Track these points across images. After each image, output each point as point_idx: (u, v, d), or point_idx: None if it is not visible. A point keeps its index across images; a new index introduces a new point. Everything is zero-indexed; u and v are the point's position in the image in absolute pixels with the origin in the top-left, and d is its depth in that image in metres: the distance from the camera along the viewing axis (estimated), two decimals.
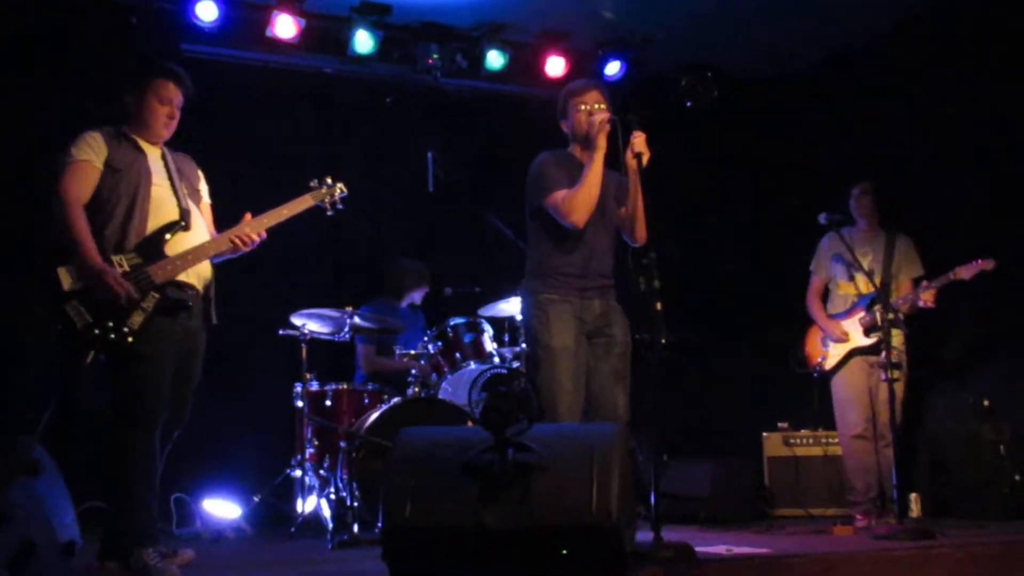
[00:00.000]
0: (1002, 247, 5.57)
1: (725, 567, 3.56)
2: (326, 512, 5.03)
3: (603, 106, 4.31)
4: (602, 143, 4.17)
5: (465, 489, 2.89)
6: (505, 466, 2.89)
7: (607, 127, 4.13)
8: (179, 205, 3.83)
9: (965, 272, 5.08)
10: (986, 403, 5.81)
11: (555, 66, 6.88)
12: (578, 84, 4.43)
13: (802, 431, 6.20)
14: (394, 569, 2.95)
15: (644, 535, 3.54)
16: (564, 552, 2.81)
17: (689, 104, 7.00)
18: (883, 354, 4.78)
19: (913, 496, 5.73)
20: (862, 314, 5.32)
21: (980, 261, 5.07)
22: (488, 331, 5.62)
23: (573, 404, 4.06)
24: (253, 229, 3.93)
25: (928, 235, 5.61)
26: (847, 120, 6.77)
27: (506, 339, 5.73)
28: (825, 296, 5.59)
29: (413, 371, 5.39)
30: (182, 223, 3.79)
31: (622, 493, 2.90)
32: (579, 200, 4.16)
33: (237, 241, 3.89)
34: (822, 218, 5.30)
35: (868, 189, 5.47)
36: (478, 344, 5.54)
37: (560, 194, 4.20)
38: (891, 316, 4.82)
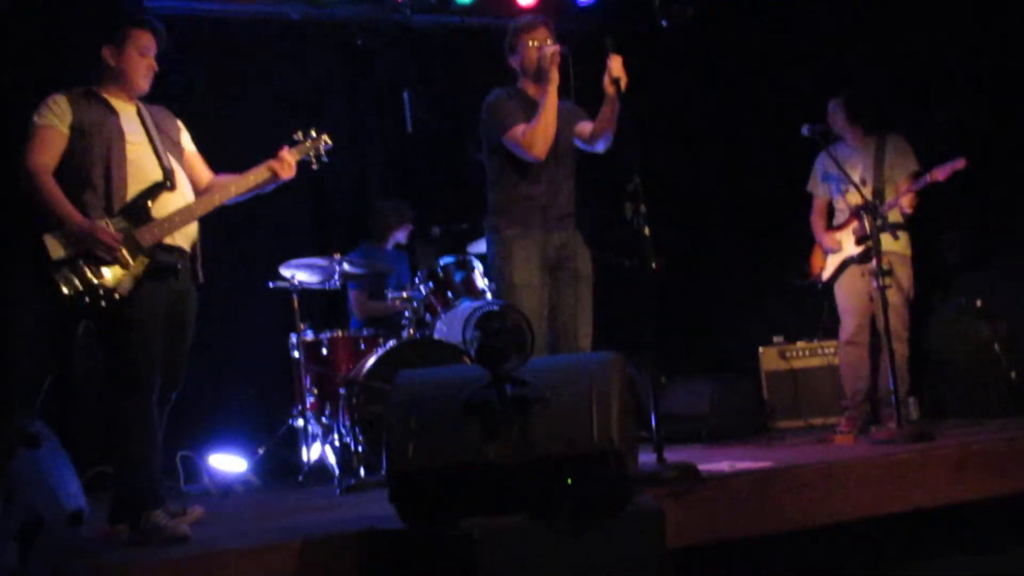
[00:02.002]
0: (997, 148, 5.58)
1: (729, 483, 3.61)
2: (331, 459, 5.08)
3: (550, 41, 4.32)
4: (555, 75, 4.22)
5: (466, 427, 2.91)
6: (504, 402, 2.90)
7: (558, 59, 4.19)
8: (161, 164, 3.75)
9: (939, 174, 5.08)
10: (979, 303, 5.85)
11: None
12: (526, 20, 4.47)
13: (798, 343, 6.24)
14: (401, 510, 2.98)
15: (647, 457, 3.58)
16: (568, 481, 2.84)
17: (664, 23, 6.94)
18: (873, 261, 4.81)
19: (912, 399, 5.76)
20: (855, 224, 5.33)
21: (952, 162, 5.06)
22: (478, 267, 5.61)
23: (538, 338, 4.08)
24: (239, 189, 3.88)
25: (922, 134, 5.55)
26: (829, 24, 6.67)
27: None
28: (831, 212, 5.61)
29: (406, 313, 5.39)
30: (167, 183, 3.72)
31: (622, 419, 2.92)
32: (538, 133, 4.23)
33: (279, 173, 3.88)
34: (805, 130, 5.26)
35: (839, 105, 5.41)
36: (469, 281, 5.54)
37: (519, 129, 4.26)
38: (879, 223, 4.83)
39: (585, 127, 4.41)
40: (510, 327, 3.01)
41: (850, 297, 5.37)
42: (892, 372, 4.82)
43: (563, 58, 4.19)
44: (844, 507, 3.69)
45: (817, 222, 5.60)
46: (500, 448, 2.87)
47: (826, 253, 5.51)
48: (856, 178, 5.27)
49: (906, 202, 5.16)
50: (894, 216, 5.21)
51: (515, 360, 2.96)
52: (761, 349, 6.28)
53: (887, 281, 4.75)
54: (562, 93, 4.31)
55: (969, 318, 5.88)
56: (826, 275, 5.49)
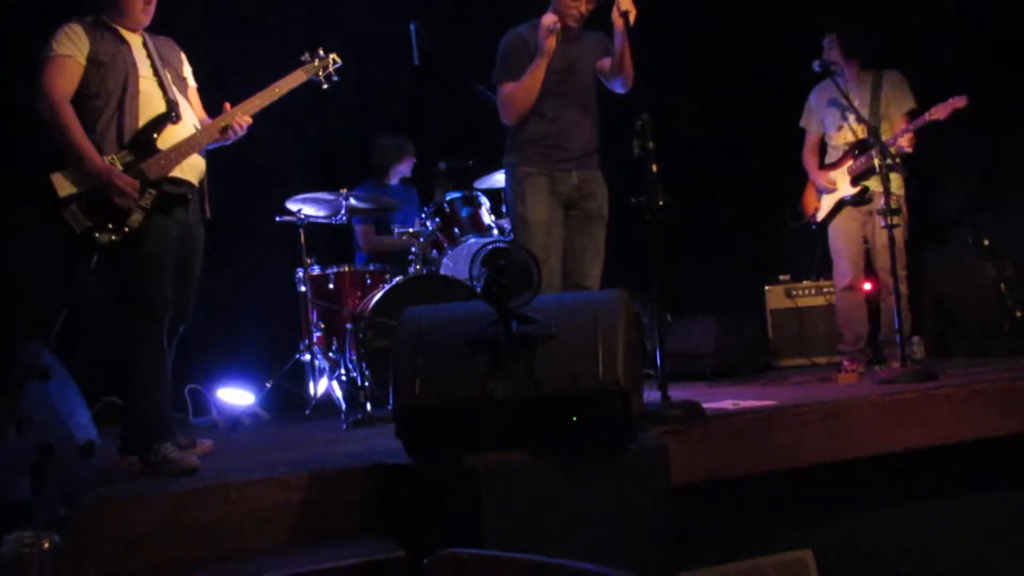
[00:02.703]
0: (999, 84, 5.50)
1: (733, 421, 3.64)
2: (338, 393, 5.11)
3: None
4: (549, 47, 4.18)
5: (472, 364, 2.92)
6: (510, 339, 2.91)
7: (553, 38, 4.15)
8: (166, 97, 3.72)
9: (939, 112, 4.97)
10: (986, 242, 5.82)
11: None
12: None
13: (804, 282, 6.24)
14: (408, 445, 3.01)
15: (652, 395, 3.60)
16: (574, 419, 2.86)
17: None
18: (881, 201, 4.77)
19: (916, 339, 5.78)
20: (850, 162, 5.25)
21: (953, 100, 4.96)
22: (485, 204, 5.60)
23: (550, 274, 4.19)
24: (245, 112, 3.84)
25: (918, 71, 5.47)
26: None
27: (504, 210, 5.71)
28: (824, 151, 5.52)
29: (413, 248, 5.39)
30: (172, 115, 3.70)
31: (628, 357, 2.93)
32: (510, 102, 4.31)
33: (229, 131, 3.81)
34: (816, 65, 5.20)
35: (834, 40, 5.29)
36: (476, 217, 5.53)
37: (505, 88, 4.32)
38: (888, 161, 4.77)
39: (606, 63, 4.36)
40: (517, 264, 3.00)
41: (845, 239, 5.30)
42: (897, 312, 4.81)
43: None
44: (847, 446, 3.73)
45: (810, 159, 5.50)
46: (505, 385, 2.88)
47: (820, 193, 5.42)
48: (851, 114, 5.19)
49: (905, 141, 5.05)
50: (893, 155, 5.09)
51: (522, 297, 2.97)
52: (767, 287, 6.29)
53: (895, 220, 4.72)
54: (589, 21, 4.32)
55: (974, 257, 5.86)
56: (820, 216, 5.40)
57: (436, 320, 3.08)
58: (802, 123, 5.56)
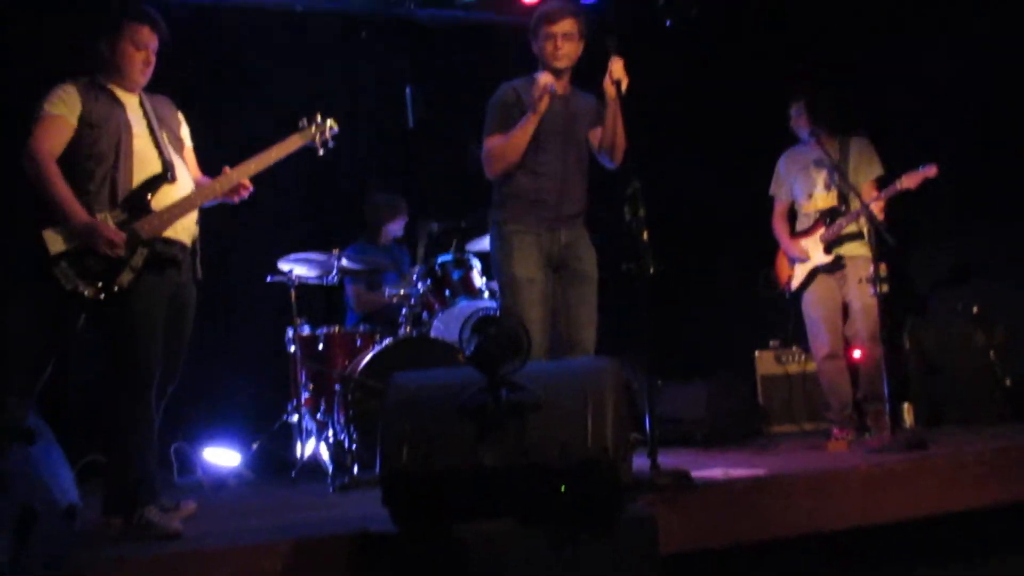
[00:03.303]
0: (991, 151, 5.56)
1: (722, 491, 3.61)
2: (325, 455, 5.07)
3: (574, 36, 4.26)
4: (541, 108, 4.14)
5: (461, 431, 2.91)
6: (499, 406, 2.90)
7: (547, 97, 4.12)
8: (162, 157, 3.74)
9: (909, 181, 4.93)
10: (976, 309, 5.84)
11: None
12: (552, 8, 4.31)
13: (793, 348, 6.23)
14: (395, 513, 2.98)
15: (641, 461, 3.58)
16: (563, 489, 2.84)
17: (668, 23, 6.93)
18: (861, 267, 4.78)
19: (906, 406, 5.77)
20: (822, 230, 5.23)
21: (923, 168, 4.92)
22: (476, 266, 5.61)
23: (538, 334, 4.05)
24: (241, 175, 3.86)
25: (888, 138, 5.51)
26: (820, 29, 6.66)
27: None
28: (795, 218, 5.50)
29: (403, 310, 5.39)
30: (167, 175, 3.72)
31: (617, 426, 2.92)
32: (495, 156, 4.26)
33: (232, 195, 3.84)
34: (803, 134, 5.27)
35: (802, 107, 5.29)
36: (467, 280, 5.54)
37: (491, 141, 4.28)
38: (864, 224, 4.77)
39: (597, 132, 4.35)
40: (507, 331, 3.01)
41: (822, 308, 5.25)
42: (886, 379, 4.80)
43: (552, 96, 4.14)
44: (836, 516, 3.70)
45: (780, 227, 5.47)
46: (494, 453, 2.87)
47: (792, 262, 5.39)
48: (820, 181, 5.22)
49: (876, 208, 4.96)
50: (861, 223, 5.06)
51: (511, 364, 2.97)
52: (756, 353, 6.29)
53: (884, 287, 4.73)
54: (583, 84, 4.33)
55: (965, 324, 5.87)
56: (795, 284, 5.35)
57: (425, 386, 3.08)
58: (771, 191, 5.55)
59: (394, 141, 6.67)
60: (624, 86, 4.04)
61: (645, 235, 3.71)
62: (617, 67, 4.05)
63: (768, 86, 6.76)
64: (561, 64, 4.26)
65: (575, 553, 2.81)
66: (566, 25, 4.24)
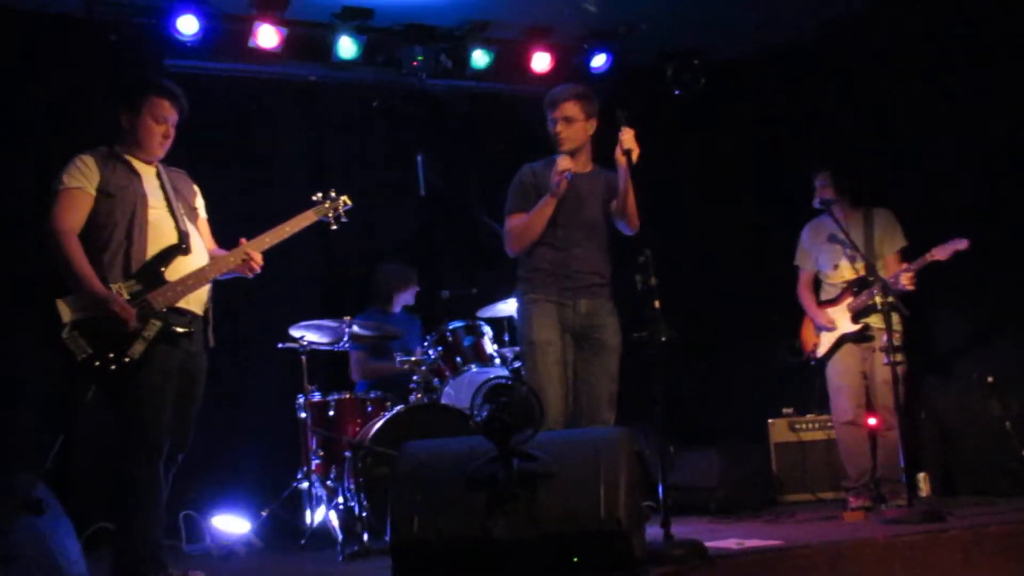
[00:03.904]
0: (999, 222, 5.56)
1: (737, 562, 3.54)
2: (335, 523, 5.02)
3: (577, 118, 4.37)
4: (559, 191, 4.29)
5: (471, 501, 2.89)
6: (510, 476, 2.88)
7: (564, 183, 4.26)
8: (177, 227, 3.78)
9: (940, 253, 5.01)
10: (991, 379, 5.80)
11: (541, 62, 6.85)
12: (555, 93, 4.49)
13: (807, 416, 6.18)
14: None
15: (654, 530, 3.52)
16: (575, 560, 2.81)
17: (677, 92, 7.00)
18: (884, 338, 4.76)
19: (922, 475, 5.73)
20: (850, 299, 5.29)
21: (954, 241, 4.99)
22: (488, 333, 5.61)
23: (559, 396, 4.23)
24: (255, 249, 3.89)
25: (914, 210, 5.55)
26: (833, 97, 6.73)
27: (506, 339, 5.73)
28: (819, 287, 5.57)
29: (415, 377, 5.37)
30: (182, 246, 3.76)
31: (630, 497, 2.90)
32: (516, 235, 4.39)
33: (245, 269, 3.86)
34: (816, 202, 5.30)
35: (827, 179, 5.37)
36: (478, 347, 5.53)
37: (512, 221, 4.43)
38: (890, 299, 4.79)
39: (614, 203, 4.44)
40: (519, 400, 3.00)
41: (845, 375, 5.31)
42: (903, 449, 4.76)
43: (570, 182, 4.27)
44: None
45: (806, 295, 5.55)
46: (505, 523, 2.85)
47: (819, 330, 5.44)
48: (845, 253, 5.25)
49: (906, 279, 5.06)
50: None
51: (523, 433, 2.95)
52: (770, 421, 6.24)
53: (898, 358, 4.71)
54: (602, 159, 4.44)
55: (980, 395, 5.81)
56: (821, 351, 5.42)
57: (436, 455, 3.06)
58: (796, 261, 5.63)
59: (406, 209, 6.71)
60: (635, 156, 4.12)
61: (657, 303, 3.71)
62: (627, 137, 4.13)
63: (778, 155, 6.86)
64: (565, 147, 4.39)
65: None
66: (567, 109, 4.38)
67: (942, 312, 5.94)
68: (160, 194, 3.84)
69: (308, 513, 5.28)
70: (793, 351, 5.61)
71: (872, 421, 5.32)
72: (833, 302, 5.40)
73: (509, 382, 3.07)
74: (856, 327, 5.26)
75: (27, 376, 5.26)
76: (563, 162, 4.28)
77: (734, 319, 6.93)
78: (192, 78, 6.09)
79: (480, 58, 6.66)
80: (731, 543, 3.91)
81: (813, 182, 5.44)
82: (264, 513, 5.42)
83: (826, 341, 5.40)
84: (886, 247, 5.33)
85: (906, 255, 5.27)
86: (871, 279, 5.09)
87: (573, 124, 4.38)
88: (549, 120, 4.44)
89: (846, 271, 5.33)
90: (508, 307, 5.56)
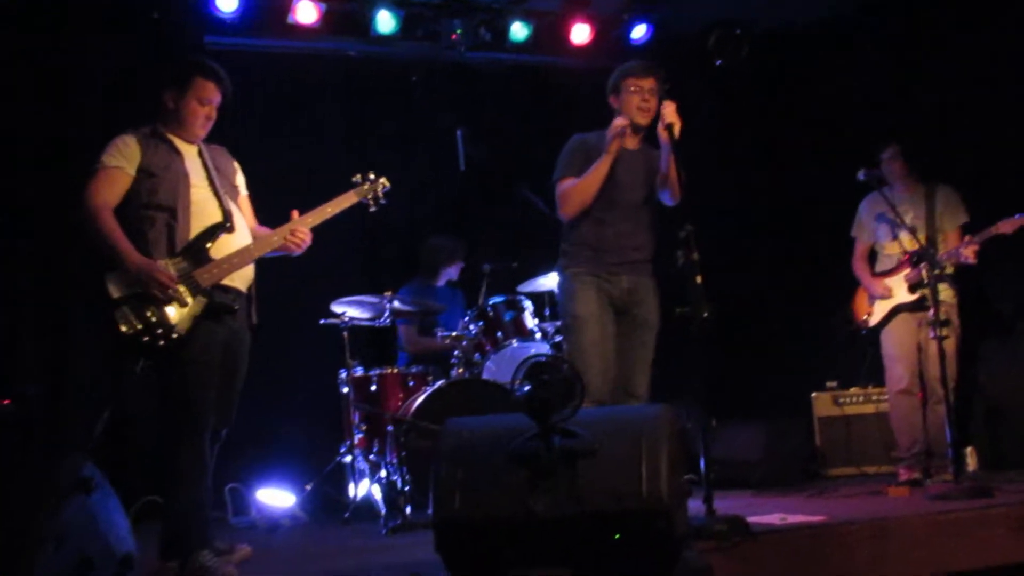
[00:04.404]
0: None
1: (780, 538, 3.54)
2: (378, 496, 5.07)
3: (653, 95, 4.34)
4: (614, 148, 4.28)
5: (513, 478, 2.88)
6: (551, 454, 2.88)
7: (618, 140, 4.26)
8: (221, 206, 3.80)
9: (1006, 226, 4.97)
10: None
11: (580, 33, 6.78)
12: (638, 65, 4.47)
13: (852, 389, 6.13)
14: (447, 560, 2.96)
15: (696, 504, 3.51)
16: (616, 537, 2.80)
17: (719, 63, 6.91)
18: (931, 311, 4.71)
19: (969, 449, 5.68)
20: (907, 270, 5.23)
21: (1021, 216, 4.95)
22: (528, 307, 5.60)
23: (601, 371, 4.26)
24: (303, 225, 3.92)
25: (973, 185, 5.47)
26: (883, 70, 6.60)
27: (547, 313, 5.72)
28: (874, 259, 5.52)
29: (456, 352, 5.39)
30: (226, 224, 3.78)
31: (672, 474, 2.87)
32: (572, 197, 4.36)
33: (291, 245, 3.89)
34: (861, 175, 5.22)
35: (896, 153, 5.35)
36: (519, 322, 5.53)
37: (564, 183, 4.39)
38: (936, 272, 4.74)
39: (657, 177, 4.44)
40: (560, 377, 2.99)
41: (900, 345, 5.28)
42: (949, 423, 4.72)
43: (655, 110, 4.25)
44: (899, 566, 3.60)
45: (862, 267, 5.53)
46: (547, 501, 2.83)
47: (873, 299, 5.41)
48: (908, 224, 5.19)
49: (969, 252, 5.03)
50: (948, 267, 5.12)
51: (564, 411, 2.94)
52: (813, 395, 6.18)
53: (944, 332, 4.66)
54: (648, 137, 4.43)
55: None
56: (874, 321, 5.38)
57: (478, 433, 3.05)
58: (853, 233, 5.59)
59: (446, 183, 6.70)
60: (677, 130, 4.08)
61: (699, 279, 3.68)
62: (669, 111, 4.12)
63: (823, 125, 6.75)
64: (644, 119, 4.37)
65: None
66: (652, 82, 4.37)
67: (1002, 286, 5.85)
68: (202, 173, 3.86)
69: (352, 487, 5.34)
70: (845, 320, 5.57)
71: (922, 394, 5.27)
72: (889, 272, 5.36)
73: (550, 359, 3.05)
74: (913, 297, 5.20)
75: (77, 351, 5.35)
76: (619, 120, 4.29)
77: (777, 292, 6.86)
78: (232, 55, 6.12)
79: (519, 31, 6.62)
80: (774, 518, 3.89)
81: (879, 155, 5.38)
82: (308, 487, 5.49)
83: (880, 310, 5.35)
84: (947, 222, 5.29)
85: (967, 231, 5.21)
86: (931, 251, 5.03)
87: (655, 97, 4.36)
88: (627, 89, 4.39)
89: (906, 242, 5.26)
90: (549, 281, 5.55)
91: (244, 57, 6.24)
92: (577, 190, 4.33)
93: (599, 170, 4.29)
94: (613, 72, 4.50)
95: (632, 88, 4.38)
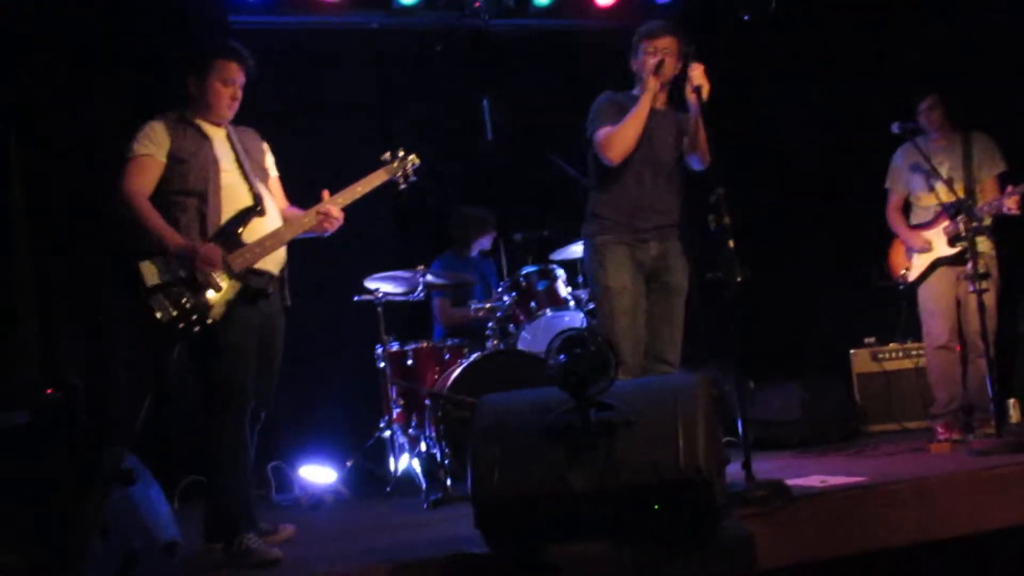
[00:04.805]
0: None
1: (820, 501, 3.53)
2: (418, 470, 5.11)
3: (672, 54, 4.27)
4: (652, 84, 4.21)
5: (550, 453, 2.90)
6: (588, 427, 2.88)
7: (658, 70, 4.18)
8: (251, 190, 3.80)
9: None
10: None
11: None
12: (654, 25, 4.40)
13: (890, 344, 6.08)
14: (488, 536, 2.98)
15: (735, 467, 3.49)
16: (655, 508, 2.81)
17: (746, 17, 6.80)
18: (969, 265, 4.64)
19: (1012, 402, 5.61)
20: (946, 223, 5.10)
21: None
22: (561, 276, 5.58)
23: (634, 341, 4.22)
24: (333, 205, 3.92)
25: (1012, 134, 5.35)
26: (916, 19, 6.46)
27: (580, 281, 5.70)
28: (908, 211, 5.41)
29: (490, 324, 5.39)
30: (257, 208, 3.78)
31: (709, 443, 2.88)
32: (617, 137, 4.23)
33: (325, 224, 3.89)
34: (895, 127, 5.13)
35: (936, 103, 5.21)
36: (552, 291, 5.51)
37: (604, 130, 4.27)
38: (975, 224, 4.66)
39: (684, 140, 4.37)
40: (594, 350, 2.98)
41: (940, 300, 5.17)
42: (990, 377, 4.66)
43: (680, 70, 4.19)
44: (942, 525, 3.58)
45: (897, 219, 5.40)
46: (584, 475, 2.85)
47: (911, 252, 5.30)
48: (943, 176, 5.09)
49: (1012, 202, 4.90)
50: (987, 218, 5.01)
51: (599, 384, 2.94)
52: (852, 351, 6.14)
53: (984, 285, 4.59)
54: (674, 100, 4.35)
55: None
56: (913, 275, 5.27)
57: (513, 408, 3.07)
58: (887, 184, 5.46)
59: (473, 153, 6.67)
60: (705, 92, 4.03)
61: (731, 243, 3.65)
62: (697, 73, 4.06)
63: (854, 77, 6.62)
64: (661, 78, 4.28)
65: (669, 574, 2.77)
66: (668, 42, 4.30)
67: None
68: (231, 156, 3.86)
69: (392, 461, 5.38)
70: (882, 274, 5.48)
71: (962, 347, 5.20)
72: (927, 225, 5.24)
73: (582, 332, 3.04)
74: (954, 250, 5.06)
75: (120, 337, 5.42)
76: (652, 59, 4.23)
77: (812, 249, 6.79)
78: (256, 33, 6.12)
79: None
80: (814, 480, 3.88)
81: (917, 106, 5.27)
82: (350, 463, 5.54)
83: (919, 264, 5.24)
84: (984, 171, 5.16)
85: (1004, 180, 5.09)
86: (970, 203, 4.93)
87: (672, 57, 4.29)
88: (643, 51, 4.33)
89: (942, 193, 5.13)
90: (580, 248, 5.51)
91: (269, 35, 6.23)
92: (620, 134, 4.22)
93: (641, 109, 4.20)
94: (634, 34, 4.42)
95: (649, 49, 4.30)
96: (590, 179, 4.51)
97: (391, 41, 6.70)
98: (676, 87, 4.24)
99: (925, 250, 5.22)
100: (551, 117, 6.38)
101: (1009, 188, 4.99)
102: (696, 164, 4.35)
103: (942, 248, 5.16)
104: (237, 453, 3.60)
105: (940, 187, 5.13)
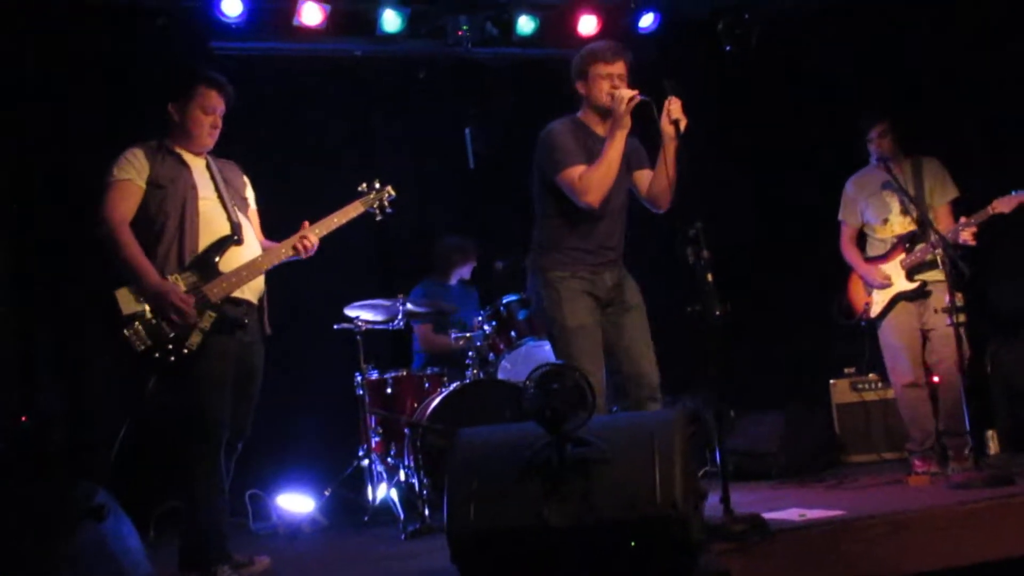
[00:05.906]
0: None
1: (799, 535, 3.51)
2: (396, 499, 5.08)
3: (624, 79, 4.12)
4: (627, 122, 3.97)
5: (526, 488, 2.89)
6: (564, 463, 2.87)
7: (633, 104, 3.94)
8: (229, 219, 3.81)
9: (1003, 205, 4.80)
10: None
11: (587, 24, 6.72)
12: (604, 48, 4.18)
13: (870, 375, 6.08)
14: (464, 571, 2.96)
15: (714, 499, 3.48)
16: (632, 545, 2.80)
17: (728, 48, 6.85)
18: (946, 298, 4.64)
19: (990, 433, 5.62)
20: (902, 255, 5.08)
21: (1018, 193, 4.78)
22: None
23: (598, 382, 3.90)
24: (311, 234, 3.92)
25: (962, 161, 5.35)
26: (887, 53, 6.52)
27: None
28: (864, 244, 5.36)
29: (470, 352, 5.38)
30: (235, 237, 3.79)
31: (686, 479, 2.87)
32: (596, 179, 3.97)
33: (300, 248, 3.89)
34: (874, 159, 5.17)
35: (886, 130, 5.15)
36: (532, 320, 5.51)
37: (577, 171, 4.01)
38: (938, 252, 4.66)
39: (643, 175, 4.25)
40: (570, 386, 2.98)
41: (903, 335, 5.09)
42: (967, 410, 4.67)
43: (645, 105, 3.94)
44: (920, 559, 3.56)
45: (852, 252, 5.32)
46: (561, 510, 2.84)
47: (871, 288, 5.21)
48: (896, 205, 5.09)
49: (968, 234, 4.86)
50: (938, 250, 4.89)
51: (576, 419, 2.93)
52: (832, 382, 6.15)
53: (961, 318, 4.60)
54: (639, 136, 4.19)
55: None
56: (875, 311, 5.18)
57: (490, 443, 3.06)
58: (840, 216, 5.40)
59: (455, 182, 6.68)
60: (683, 126, 3.94)
61: (709, 277, 3.65)
62: (675, 107, 3.92)
63: (833, 110, 6.67)
64: (627, 114, 4.00)
65: None
66: (622, 67, 4.15)
67: (1009, 266, 5.78)
68: (211, 185, 3.86)
69: (370, 490, 5.34)
70: (844, 311, 5.39)
71: (936, 379, 5.18)
72: (883, 258, 5.17)
73: (558, 367, 3.04)
74: (913, 284, 5.03)
75: (98, 364, 5.38)
76: (627, 91, 3.96)
77: (788, 281, 6.82)
78: (238, 60, 6.13)
79: (526, 24, 6.58)
80: (793, 514, 3.87)
81: (867, 134, 5.21)
82: (327, 492, 5.51)
83: (880, 300, 5.16)
84: (937, 198, 5.11)
85: (957, 206, 5.07)
86: (924, 233, 4.92)
87: (624, 85, 4.10)
88: (595, 75, 4.13)
89: (897, 225, 5.12)
90: None
91: (251, 61, 6.23)
92: (600, 176, 3.95)
93: (615, 149, 3.96)
94: (576, 56, 4.23)
95: (600, 74, 4.12)
96: (540, 210, 4.29)
97: (374, 69, 6.72)
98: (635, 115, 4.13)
99: (885, 286, 5.14)
100: (532, 144, 6.38)
101: (963, 219, 4.93)
102: (654, 208, 4.19)
103: (901, 283, 5.10)
104: (211, 486, 3.58)
105: (894, 217, 5.11)
